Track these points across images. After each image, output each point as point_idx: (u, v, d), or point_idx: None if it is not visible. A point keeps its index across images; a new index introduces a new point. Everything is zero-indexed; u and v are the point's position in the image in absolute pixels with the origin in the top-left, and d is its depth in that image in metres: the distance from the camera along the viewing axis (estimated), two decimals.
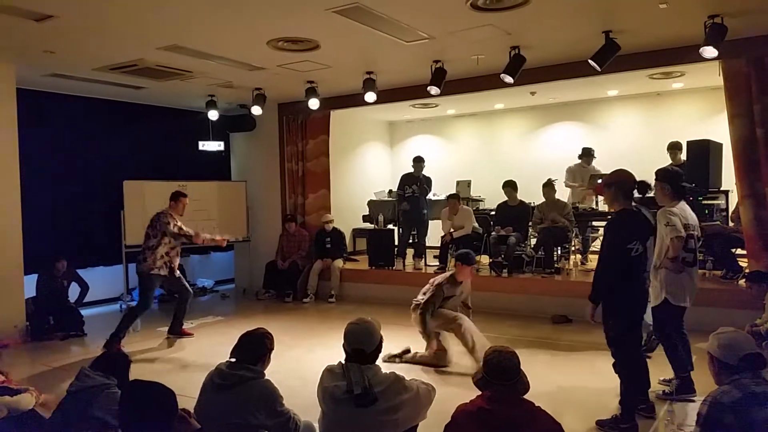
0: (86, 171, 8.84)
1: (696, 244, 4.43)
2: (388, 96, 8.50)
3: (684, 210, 4.40)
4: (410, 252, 9.22)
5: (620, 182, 3.96)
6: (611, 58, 6.17)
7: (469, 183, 9.98)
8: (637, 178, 4.04)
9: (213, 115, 9.35)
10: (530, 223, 8.39)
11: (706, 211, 7.48)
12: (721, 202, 7.67)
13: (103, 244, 8.98)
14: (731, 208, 7.48)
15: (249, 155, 10.66)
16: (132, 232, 8.56)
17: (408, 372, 3.06)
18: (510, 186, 8.46)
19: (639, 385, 4.07)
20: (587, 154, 8.97)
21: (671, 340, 4.47)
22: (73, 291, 7.63)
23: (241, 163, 10.84)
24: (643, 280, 4.02)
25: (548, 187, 8.19)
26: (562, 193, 8.70)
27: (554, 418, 2.59)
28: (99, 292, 8.61)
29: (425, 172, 9.09)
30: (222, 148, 10.48)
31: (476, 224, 8.50)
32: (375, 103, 8.08)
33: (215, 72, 7.58)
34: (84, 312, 7.48)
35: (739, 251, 6.98)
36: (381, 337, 2.98)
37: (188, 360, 6.00)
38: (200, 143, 10.17)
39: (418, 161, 9.09)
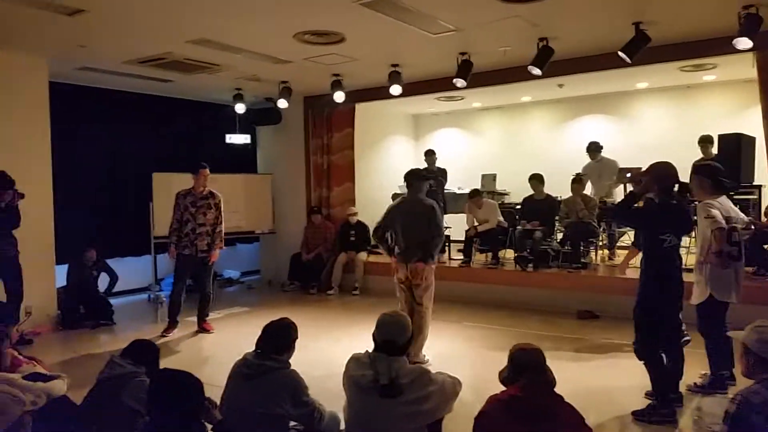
0: (116, 163, 8.99)
1: (740, 237, 4.33)
2: (413, 89, 8.45)
3: (724, 203, 4.33)
4: None
5: (658, 177, 4.00)
6: (641, 49, 6.06)
7: (494, 177, 9.91)
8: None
9: (240, 108, 9.43)
10: (557, 218, 8.31)
11: (738, 207, 7.30)
12: (754, 197, 7.50)
13: (133, 234, 9.12)
14: (764, 203, 7.31)
15: (275, 148, 10.73)
16: (160, 223, 8.68)
17: (436, 366, 3.06)
18: (536, 179, 8.38)
19: (663, 376, 4.06)
20: (591, 149, 8.76)
21: (714, 337, 4.38)
22: (103, 281, 7.78)
23: (267, 156, 10.91)
24: (677, 277, 4.01)
25: (577, 183, 8.08)
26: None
27: (579, 412, 2.60)
28: (128, 282, 8.76)
29: (437, 164, 9.10)
30: (248, 141, 10.57)
31: (501, 218, 8.44)
32: (400, 96, 8.03)
33: (242, 65, 7.63)
34: (113, 301, 7.62)
35: None
36: (412, 331, 2.99)
37: (215, 350, 6.08)
38: (227, 136, 10.26)
39: (430, 154, 9.11)
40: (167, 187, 8.61)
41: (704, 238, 4.25)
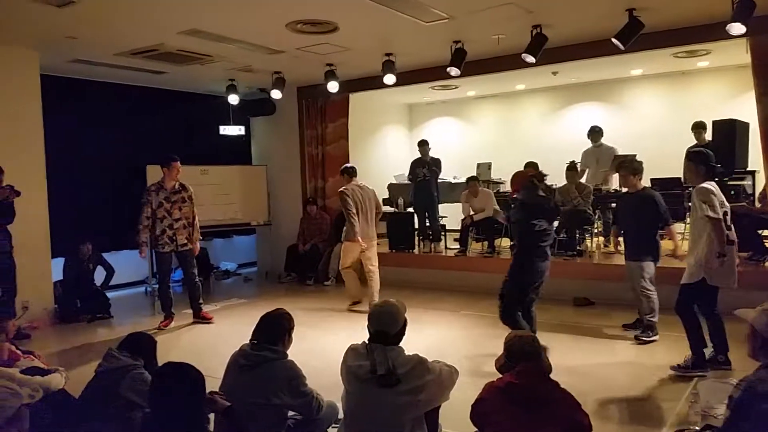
0: (111, 155, 8.93)
1: (730, 222, 4.48)
2: (407, 78, 8.43)
3: (717, 189, 4.47)
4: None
5: (524, 185, 4.99)
6: (635, 36, 6.05)
7: (489, 165, 9.89)
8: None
9: (233, 99, 9.38)
10: None
11: (732, 192, 7.34)
12: (748, 182, 7.53)
13: (128, 228, 9.06)
14: (758, 188, 7.34)
15: (269, 139, 10.70)
16: None
17: (433, 355, 3.07)
18: (531, 167, 8.36)
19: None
20: (593, 132, 8.78)
21: (693, 318, 4.52)
22: (99, 274, 7.77)
23: (261, 147, 10.89)
24: (545, 253, 4.98)
25: (572, 170, 8.10)
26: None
27: (575, 398, 2.64)
28: (124, 276, 8.75)
29: (432, 153, 9.09)
30: (242, 132, 10.53)
31: (497, 206, 8.44)
32: (394, 85, 8.01)
33: (235, 56, 7.59)
34: (110, 295, 7.63)
35: (765, 232, 6.85)
36: (405, 319, 2.99)
37: (212, 341, 6.09)
38: (221, 127, 10.22)
39: (423, 144, 9.08)
40: None
41: (697, 220, 4.42)
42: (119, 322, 7.06)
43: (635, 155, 7.95)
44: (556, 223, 5.16)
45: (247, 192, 9.92)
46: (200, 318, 6.85)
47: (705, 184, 4.43)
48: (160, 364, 2.95)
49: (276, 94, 8.85)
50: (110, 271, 7.84)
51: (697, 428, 3.01)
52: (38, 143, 7.09)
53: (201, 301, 6.95)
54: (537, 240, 4.89)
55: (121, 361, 3.29)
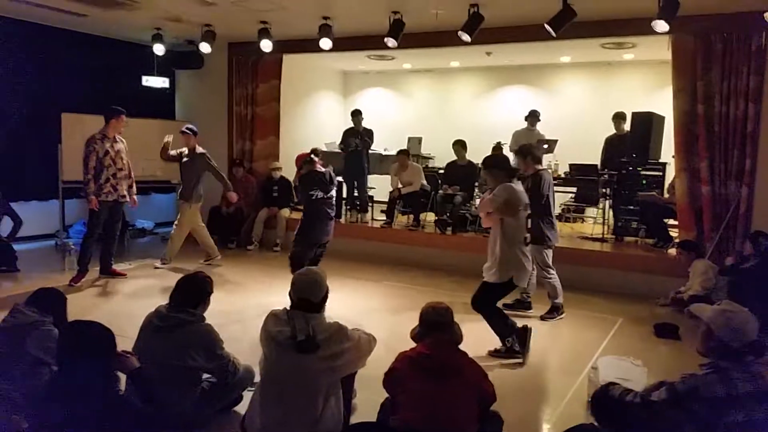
0: (23, 100, 8.34)
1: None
2: (344, 44, 8.30)
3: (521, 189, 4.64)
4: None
5: (304, 161, 5.63)
6: (567, 23, 6.21)
7: (420, 140, 9.99)
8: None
9: (159, 49, 8.93)
10: (476, 184, 8.53)
11: (644, 182, 7.78)
12: (659, 173, 7.97)
13: (39, 178, 8.59)
14: (668, 180, 7.80)
15: (195, 94, 10.30)
16: (70, 167, 8.22)
17: (353, 323, 3.11)
18: (459, 144, 8.54)
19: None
20: (532, 115, 9.06)
21: (496, 312, 4.66)
22: (6, 225, 7.33)
23: (186, 102, 10.46)
24: (326, 216, 5.66)
25: (497, 150, 8.32)
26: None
27: (482, 368, 2.78)
28: (33, 228, 8.29)
29: (365, 124, 9.07)
30: (167, 84, 10.07)
31: (425, 181, 8.56)
32: (330, 50, 7.89)
33: (164, 4, 7.22)
34: (17, 247, 7.21)
35: (671, 222, 7.30)
36: (327, 287, 3.01)
37: (127, 301, 5.90)
38: (144, 78, 9.73)
39: (356, 114, 9.05)
40: (78, 129, 8.14)
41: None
42: (26, 277, 6.71)
43: (556, 140, 8.30)
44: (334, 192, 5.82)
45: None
46: (110, 274, 6.74)
47: (507, 184, 4.54)
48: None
49: (205, 47, 8.49)
50: (18, 223, 7.41)
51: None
52: None
53: (113, 256, 6.86)
54: (315, 206, 5.58)
55: (27, 317, 3.16)
